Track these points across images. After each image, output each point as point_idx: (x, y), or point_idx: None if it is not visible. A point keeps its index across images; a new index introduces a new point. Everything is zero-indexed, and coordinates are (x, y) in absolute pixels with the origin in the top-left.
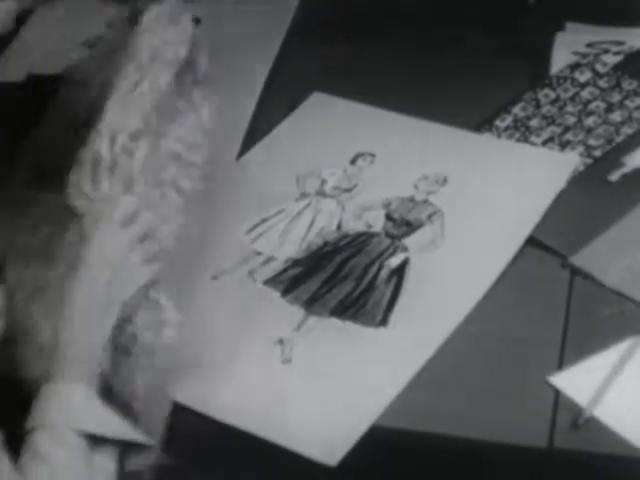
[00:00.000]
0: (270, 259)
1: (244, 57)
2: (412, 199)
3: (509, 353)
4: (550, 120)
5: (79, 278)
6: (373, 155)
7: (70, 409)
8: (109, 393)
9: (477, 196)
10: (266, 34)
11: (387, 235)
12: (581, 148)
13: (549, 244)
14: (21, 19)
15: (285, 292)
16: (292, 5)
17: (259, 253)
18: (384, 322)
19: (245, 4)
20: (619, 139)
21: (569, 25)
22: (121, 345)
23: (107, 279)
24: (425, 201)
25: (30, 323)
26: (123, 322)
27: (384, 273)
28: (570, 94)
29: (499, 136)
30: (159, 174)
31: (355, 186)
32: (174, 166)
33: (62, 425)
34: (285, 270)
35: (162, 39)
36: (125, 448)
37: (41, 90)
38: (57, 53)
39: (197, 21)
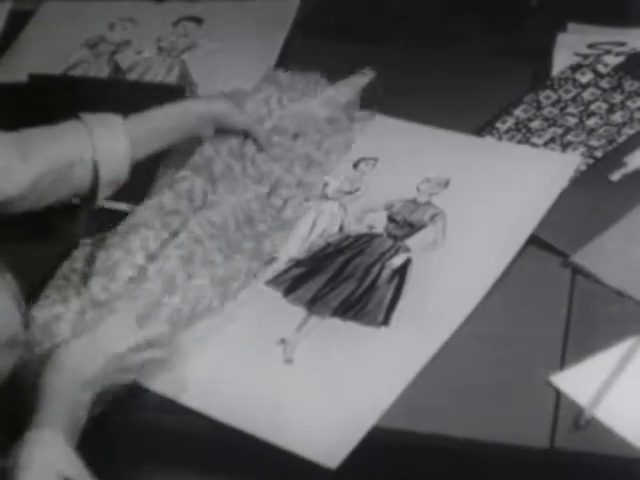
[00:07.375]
0: (272, 260)
1: (245, 57)
2: (414, 201)
3: (510, 353)
4: (551, 121)
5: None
6: (375, 159)
7: (50, 455)
8: None
9: (479, 197)
10: (267, 35)
11: (389, 236)
12: (583, 149)
13: (551, 243)
14: (21, 19)
15: (287, 292)
16: (293, 6)
17: None
18: (386, 322)
19: (246, 4)
20: (620, 139)
21: (571, 26)
22: None
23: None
24: (427, 203)
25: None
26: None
27: (386, 273)
28: (571, 95)
29: (500, 138)
30: None
31: (357, 189)
32: None
33: (42, 468)
34: (287, 270)
35: None
36: None
37: (42, 90)
38: (58, 53)
39: (197, 21)
